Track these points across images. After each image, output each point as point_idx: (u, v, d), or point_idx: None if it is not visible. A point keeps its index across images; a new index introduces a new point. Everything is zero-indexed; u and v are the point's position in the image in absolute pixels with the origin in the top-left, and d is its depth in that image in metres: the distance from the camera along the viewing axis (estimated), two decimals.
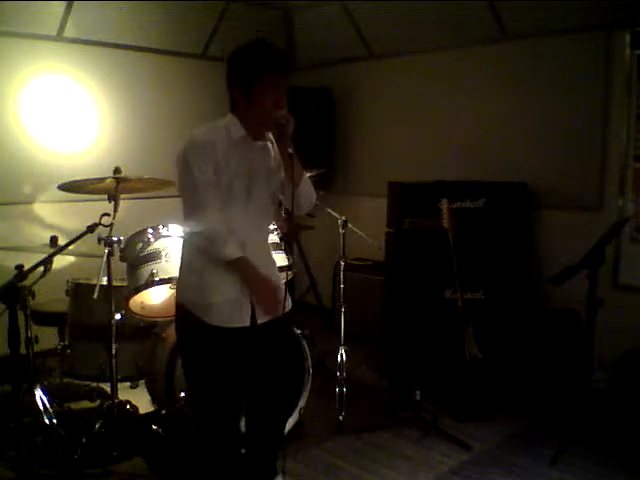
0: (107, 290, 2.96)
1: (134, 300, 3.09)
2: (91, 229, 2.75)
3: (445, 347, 3.76)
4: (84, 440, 2.89)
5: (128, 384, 3.42)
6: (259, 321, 2.33)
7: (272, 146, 2.37)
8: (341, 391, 3.51)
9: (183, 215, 2.29)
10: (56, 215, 4.29)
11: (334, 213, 3.66)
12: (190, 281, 2.32)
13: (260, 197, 2.33)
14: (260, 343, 2.37)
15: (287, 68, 2.26)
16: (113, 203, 2.99)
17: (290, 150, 2.20)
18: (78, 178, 3.04)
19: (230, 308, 2.28)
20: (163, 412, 3.15)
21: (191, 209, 2.25)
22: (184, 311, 2.33)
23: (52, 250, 2.60)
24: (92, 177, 3.05)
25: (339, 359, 3.57)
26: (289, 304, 2.48)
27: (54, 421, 2.88)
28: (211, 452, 2.45)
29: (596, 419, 3.31)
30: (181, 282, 2.39)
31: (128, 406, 3.11)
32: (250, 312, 2.32)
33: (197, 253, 2.29)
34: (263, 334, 2.36)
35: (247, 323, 2.31)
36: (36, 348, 2.99)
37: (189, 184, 2.22)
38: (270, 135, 2.35)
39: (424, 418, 3.49)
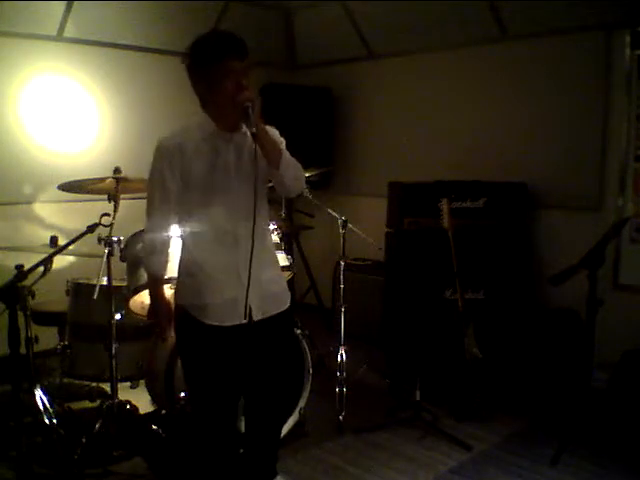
0: (107, 290, 2.96)
1: (134, 300, 3.09)
2: (91, 229, 2.75)
3: (445, 347, 3.76)
4: (84, 440, 2.89)
5: (128, 384, 3.42)
6: (255, 318, 2.34)
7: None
8: (341, 391, 3.51)
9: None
10: (56, 215, 4.29)
11: (334, 213, 3.66)
12: (186, 282, 2.36)
13: (245, 188, 2.28)
14: (257, 340, 2.38)
15: (241, 49, 2.21)
16: (113, 203, 2.99)
17: (253, 130, 2.16)
18: (78, 178, 3.05)
19: (226, 307, 2.29)
20: (163, 412, 3.16)
21: (146, 211, 2.35)
22: (182, 312, 2.35)
23: (52, 250, 2.60)
24: (92, 177, 3.05)
25: (339, 359, 3.57)
26: (287, 302, 2.49)
27: (54, 421, 2.88)
28: (211, 452, 2.46)
29: (596, 419, 3.31)
30: (179, 284, 2.41)
31: (128, 406, 3.11)
32: (247, 309, 2.31)
33: (192, 255, 2.33)
34: (260, 331, 2.37)
35: (243, 320, 2.31)
36: (36, 348, 2.99)
37: (148, 187, 2.32)
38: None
39: (424, 418, 3.49)
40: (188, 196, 2.28)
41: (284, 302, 2.48)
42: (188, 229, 2.33)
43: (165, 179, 2.24)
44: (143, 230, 3.07)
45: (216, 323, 2.29)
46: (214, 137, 2.27)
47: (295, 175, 2.34)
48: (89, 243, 2.86)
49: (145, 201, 2.36)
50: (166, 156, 2.24)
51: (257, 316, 2.34)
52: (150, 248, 2.36)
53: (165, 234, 2.34)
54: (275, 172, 2.27)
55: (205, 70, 2.19)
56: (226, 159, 2.27)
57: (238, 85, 2.18)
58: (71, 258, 3.58)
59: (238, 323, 2.30)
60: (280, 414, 2.68)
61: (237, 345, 2.33)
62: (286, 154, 2.30)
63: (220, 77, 2.18)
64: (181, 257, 2.40)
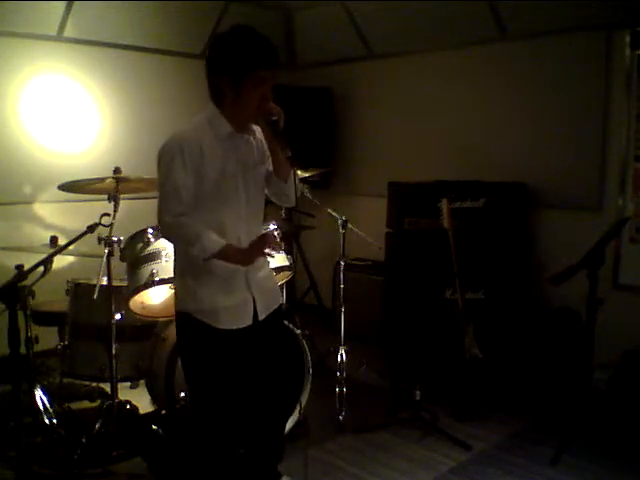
0: (107, 290, 2.96)
1: (134, 300, 3.09)
2: (91, 229, 2.76)
3: (445, 347, 3.76)
4: (84, 440, 2.89)
5: (128, 384, 3.42)
6: (260, 317, 2.36)
7: (253, 138, 2.34)
8: (341, 391, 3.52)
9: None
10: (56, 215, 4.30)
11: (334, 213, 3.66)
12: (189, 287, 2.28)
13: (251, 190, 2.31)
14: (261, 338, 2.40)
15: (275, 59, 2.19)
16: (113, 203, 2.99)
17: (289, 153, 2.20)
18: (78, 178, 3.05)
19: (238, 310, 2.30)
20: (163, 412, 3.16)
21: (161, 209, 2.19)
22: (189, 319, 2.28)
23: (52, 250, 2.60)
24: (92, 177, 3.05)
25: (339, 359, 3.57)
26: (281, 297, 2.55)
27: (54, 421, 2.89)
28: (211, 452, 2.46)
29: (596, 419, 3.31)
30: (180, 289, 2.34)
31: (128, 406, 3.11)
32: (252, 310, 2.34)
33: (189, 257, 2.22)
34: (262, 329, 2.39)
35: (250, 321, 2.34)
36: (36, 348, 3.00)
37: (164, 185, 2.18)
38: (253, 127, 2.31)
39: (424, 418, 3.49)
40: (198, 195, 2.20)
41: (280, 297, 2.54)
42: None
43: (181, 176, 2.14)
44: (144, 230, 3.10)
45: (229, 327, 2.27)
46: (229, 138, 2.23)
47: (296, 188, 2.33)
48: (89, 243, 2.86)
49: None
50: (181, 152, 2.14)
51: (262, 315, 2.36)
52: (186, 243, 2.19)
53: (190, 224, 2.19)
54: (282, 184, 2.31)
55: (236, 73, 2.14)
56: (236, 161, 2.26)
57: (264, 96, 2.17)
58: (71, 258, 3.59)
59: (246, 325, 2.32)
60: (281, 414, 2.67)
61: (244, 346, 2.34)
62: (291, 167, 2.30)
63: (251, 85, 2.14)
64: (177, 261, 2.34)
